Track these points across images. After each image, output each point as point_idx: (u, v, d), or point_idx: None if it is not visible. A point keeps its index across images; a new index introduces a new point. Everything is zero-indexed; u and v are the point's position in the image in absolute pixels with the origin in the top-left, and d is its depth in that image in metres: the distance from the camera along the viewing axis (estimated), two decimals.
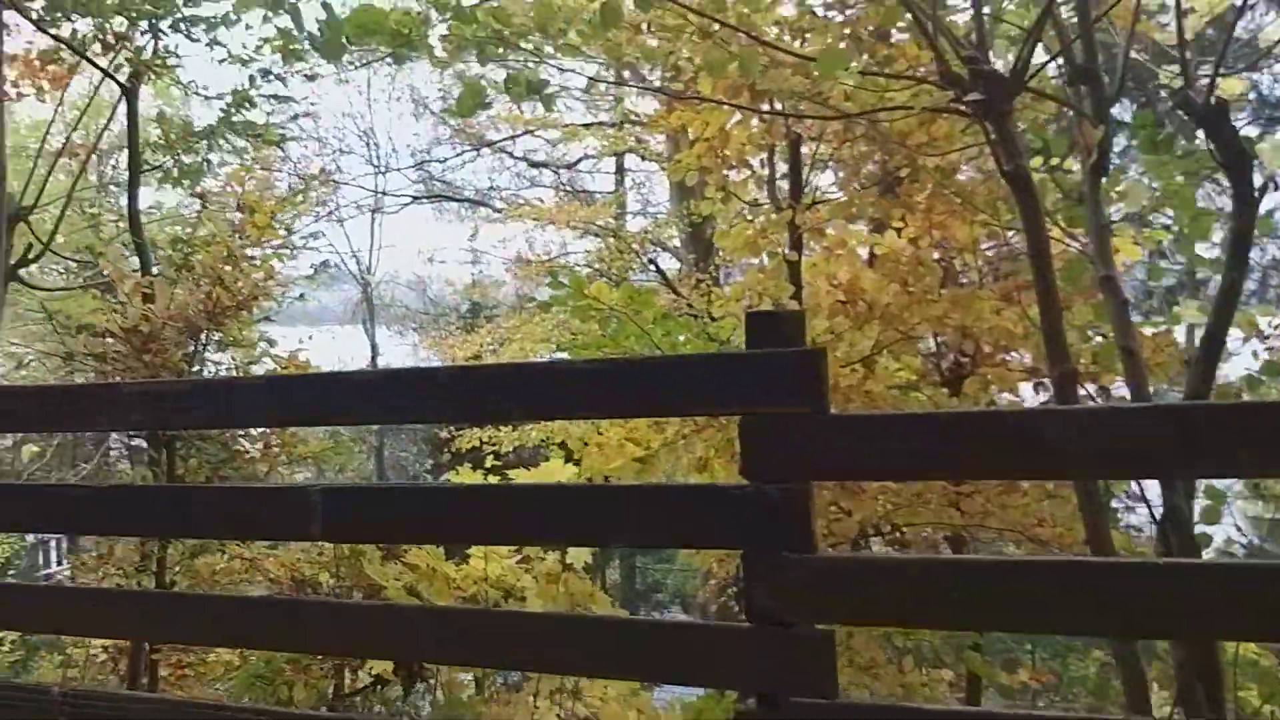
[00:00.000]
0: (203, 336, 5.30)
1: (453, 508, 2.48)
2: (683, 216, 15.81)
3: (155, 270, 6.07)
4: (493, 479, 5.17)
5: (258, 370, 5.61)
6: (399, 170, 20.10)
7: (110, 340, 5.36)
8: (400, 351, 28.49)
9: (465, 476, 5.20)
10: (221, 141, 6.22)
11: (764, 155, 5.24)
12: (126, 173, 7.53)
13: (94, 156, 9.78)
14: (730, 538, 2.08)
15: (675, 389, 2.09)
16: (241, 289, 5.31)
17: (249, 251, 5.45)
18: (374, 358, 24.78)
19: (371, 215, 22.66)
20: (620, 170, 21.28)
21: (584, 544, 3.62)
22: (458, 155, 20.99)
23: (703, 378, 2.06)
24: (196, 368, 5.27)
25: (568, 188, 20.36)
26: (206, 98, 6.40)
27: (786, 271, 4.64)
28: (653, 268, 16.24)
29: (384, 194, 20.28)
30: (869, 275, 4.88)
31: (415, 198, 20.12)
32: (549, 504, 2.29)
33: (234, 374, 5.65)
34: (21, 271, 8.54)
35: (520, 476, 5.16)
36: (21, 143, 11.04)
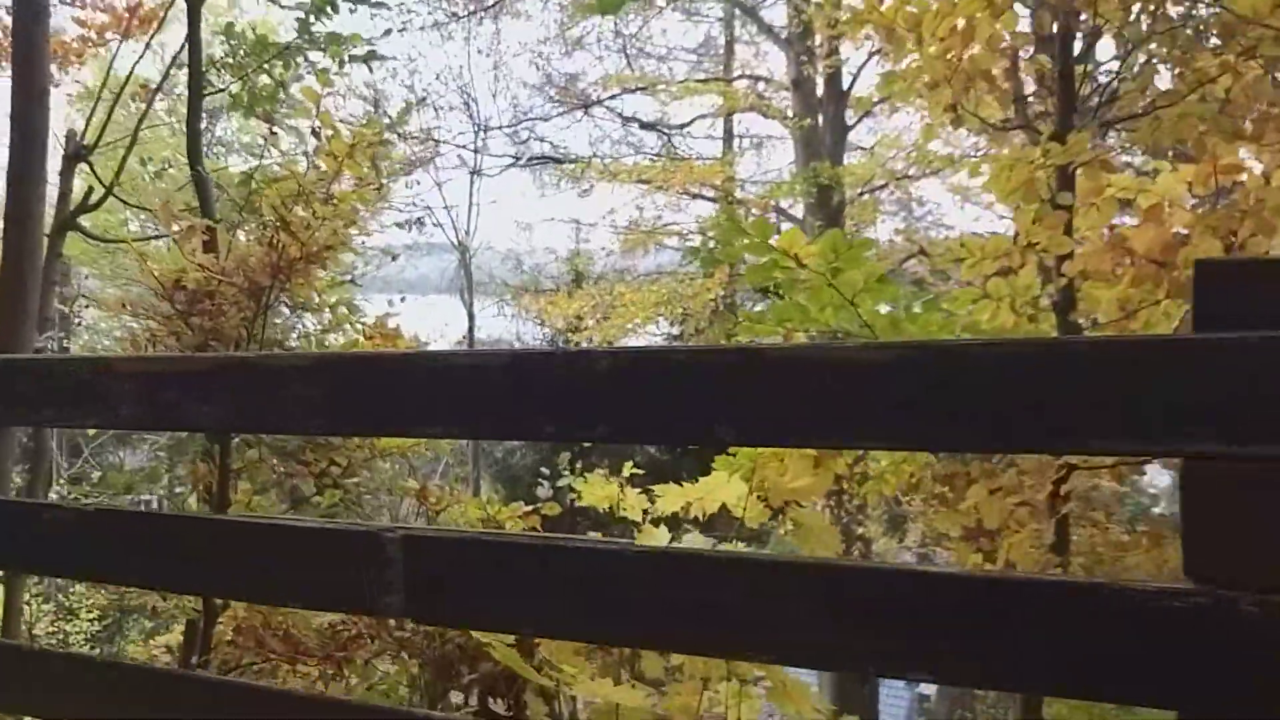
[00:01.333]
0: (267, 296, 4.12)
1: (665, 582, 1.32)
2: (809, 177, 14.40)
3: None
4: (634, 500, 3.92)
5: (334, 342, 4.44)
6: (500, 129, 18.90)
7: (156, 299, 4.22)
8: (498, 324, 27.57)
9: (593, 488, 3.96)
10: (299, 61, 5.06)
11: (1008, 62, 3.86)
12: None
13: (165, 88, 8.74)
14: (1157, 683, 1.05)
15: (1068, 404, 1.06)
16: (318, 237, 4.12)
17: (328, 189, 4.26)
18: (471, 330, 23.81)
19: (470, 179, 21.58)
20: (729, 134, 19.89)
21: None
22: (561, 114, 19.80)
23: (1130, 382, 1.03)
24: (258, 335, 4.11)
25: (676, 152, 19.04)
26: (284, 6, 5.25)
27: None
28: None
29: (483, 153, 19.15)
30: (1181, 226, 3.51)
31: (515, 159, 18.97)
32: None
33: (302, 345, 4.48)
34: (83, 219, 7.55)
35: (669, 495, 3.90)
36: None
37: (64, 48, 9.14)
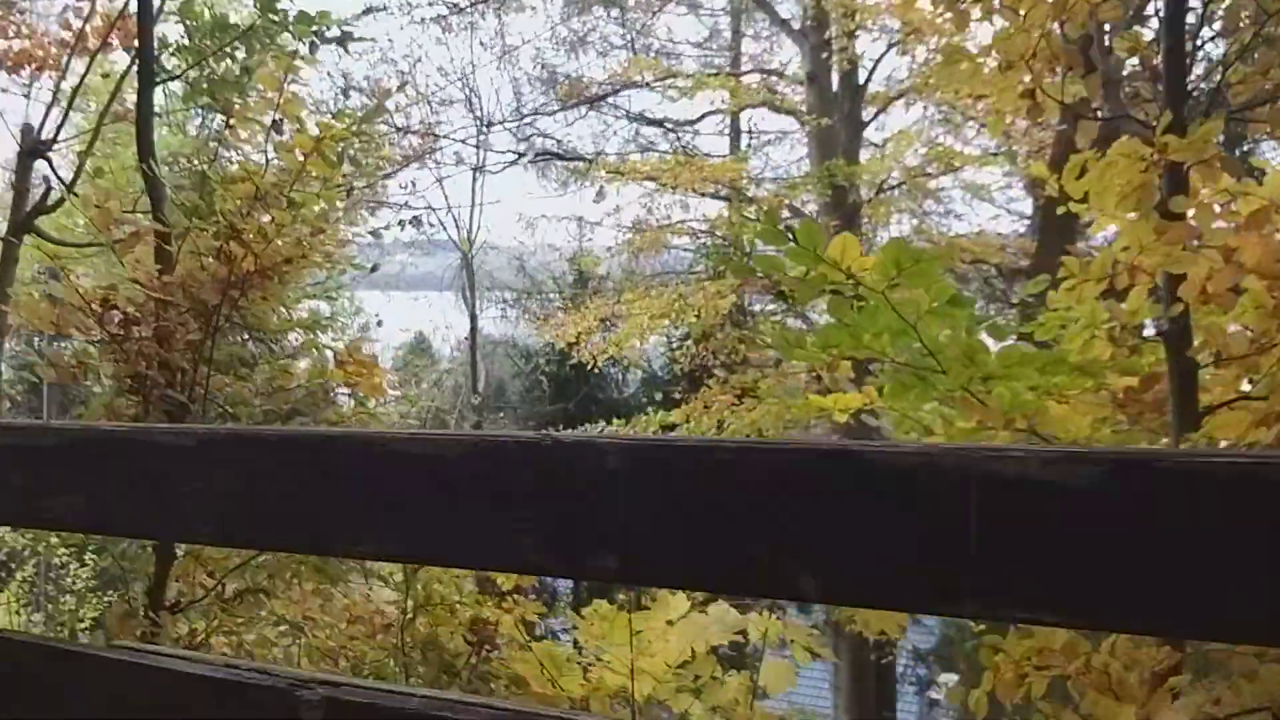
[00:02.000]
0: (216, 317, 3.50)
1: None
2: (824, 175, 13.76)
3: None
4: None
5: (299, 369, 3.82)
6: (503, 124, 18.28)
7: (89, 321, 3.60)
8: (502, 323, 26.96)
9: (595, 628, 3.34)
10: (263, 43, 4.42)
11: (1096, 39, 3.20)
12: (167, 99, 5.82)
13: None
14: None
15: None
16: (277, 247, 3.51)
17: (289, 192, 3.64)
18: (473, 331, 23.20)
19: (473, 175, 20.97)
20: (737, 131, 19.25)
21: None
22: (565, 109, 19.17)
23: None
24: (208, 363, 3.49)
25: (684, 150, 18.38)
26: None
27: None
28: (789, 235, 14.21)
29: (485, 148, 18.52)
30: None
31: (518, 155, 18.34)
32: None
33: (268, 371, 3.85)
34: (46, 221, 6.94)
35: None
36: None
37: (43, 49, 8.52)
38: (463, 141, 19.04)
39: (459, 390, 26.05)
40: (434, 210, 22.01)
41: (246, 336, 4.08)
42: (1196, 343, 2.67)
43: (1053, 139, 14.78)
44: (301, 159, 3.52)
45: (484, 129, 19.96)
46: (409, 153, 15.41)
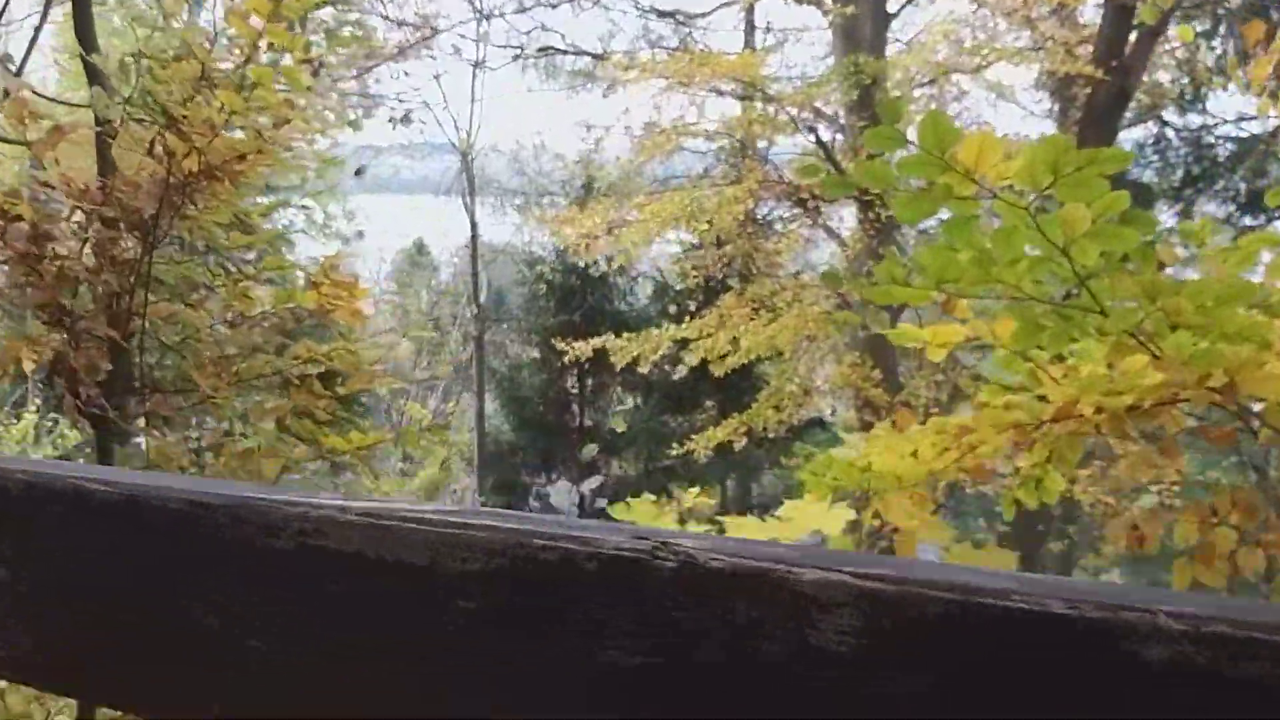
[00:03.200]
0: (153, 231, 2.77)
1: None
2: (849, 73, 12.82)
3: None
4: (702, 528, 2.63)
5: (262, 294, 3.08)
6: (503, 16, 17.21)
7: None
8: (503, 229, 26.12)
9: (641, 517, 2.65)
10: None
11: None
12: None
13: None
14: None
15: None
16: (228, 142, 2.76)
17: (243, 71, 2.87)
18: (474, 238, 22.37)
19: (472, 72, 19.94)
20: (751, 25, 18.18)
21: None
22: (570, 1, 18.06)
23: None
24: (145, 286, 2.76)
25: (697, 46, 17.34)
26: None
27: None
28: (811, 137, 13.34)
29: (484, 42, 17.48)
30: None
31: (520, 49, 17.31)
32: None
33: (224, 296, 3.12)
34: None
35: (744, 530, 2.60)
36: None
37: None
38: (461, 35, 17.98)
39: (458, 300, 25.35)
40: (430, 108, 21.04)
41: (206, 253, 3.36)
42: None
43: (1094, 33, 13.88)
44: (258, 28, 2.74)
45: (484, 21, 18.90)
46: (403, 44, 14.42)
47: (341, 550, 0.58)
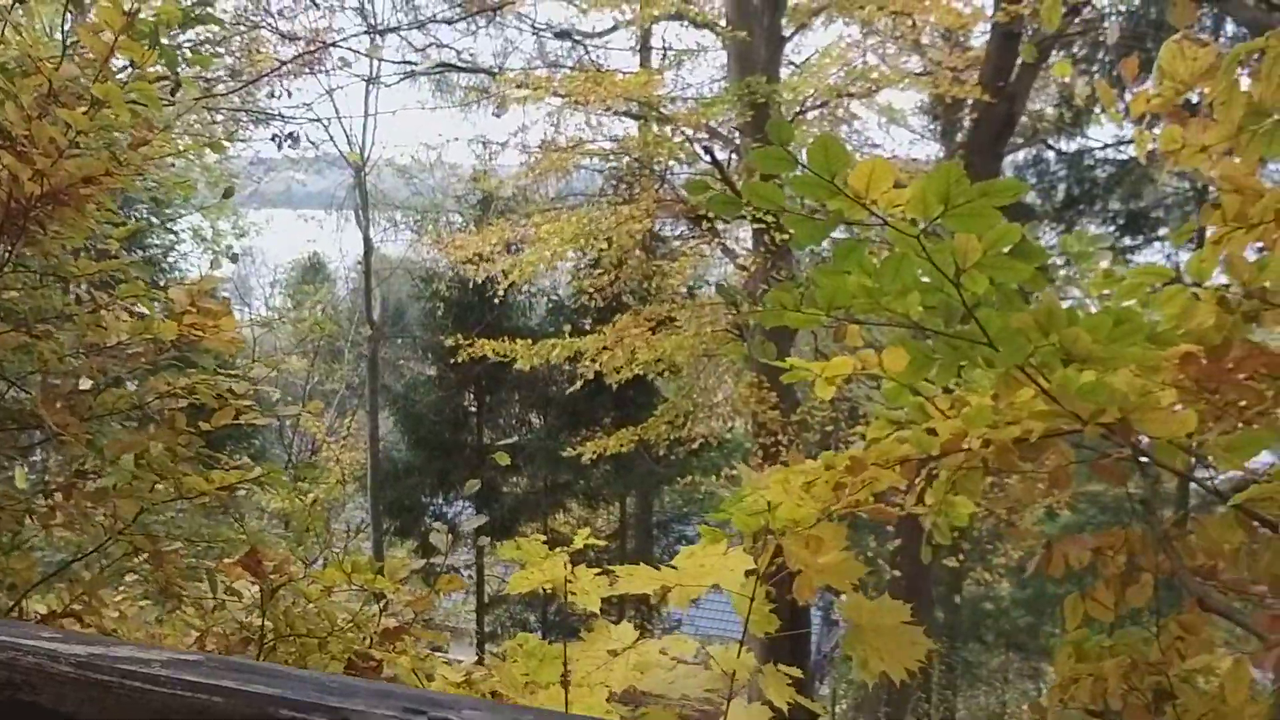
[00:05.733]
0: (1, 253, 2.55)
1: None
2: (743, 93, 12.87)
3: None
4: (590, 582, 2.51)
5: (119, 323, 2.87)
6: (398, 31, 16.91)
7: None
8: (397, 246, 25.72)
9: (528, 559, 2.53)
10: None
11: None
12: None
13: None
14: None
15: None
16: (76, 163, 2.56)
17: (93, 84, 2.67)
18: (367, 252, 21.94)
19: (365, 88, 19.58)
20: (646, 47, 18.24)
21: None
22: (465, 19, 17.86)
23: None
24: None
25: (594, 65, 17.27)
26: None
27: None
28: (707, 157, 13.35)
29: (375, 56, 17.16)
30: None
31: (413, 65, 17.03)
32: None
33: (81, 326, 2.91)
34: None
35: (635, 578, 2.50)
36: None
37: None
38: (354, 51, 17.63)
39: (354, 316, 24.84)
40: (323, 123, 20.62)
41: (64, 280, 3.13)
42: None
43: (982, 59, 14.19)
44: (109, 40, 2.56)
45: (378, 37, 18.56)
46: (293, 60, 14.05)
47: (56, 711, 0.46)
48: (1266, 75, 1.90)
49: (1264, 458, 2.32)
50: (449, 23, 16.42)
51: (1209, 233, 2.07)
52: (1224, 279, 2.27)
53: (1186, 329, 2.05)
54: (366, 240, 21.55)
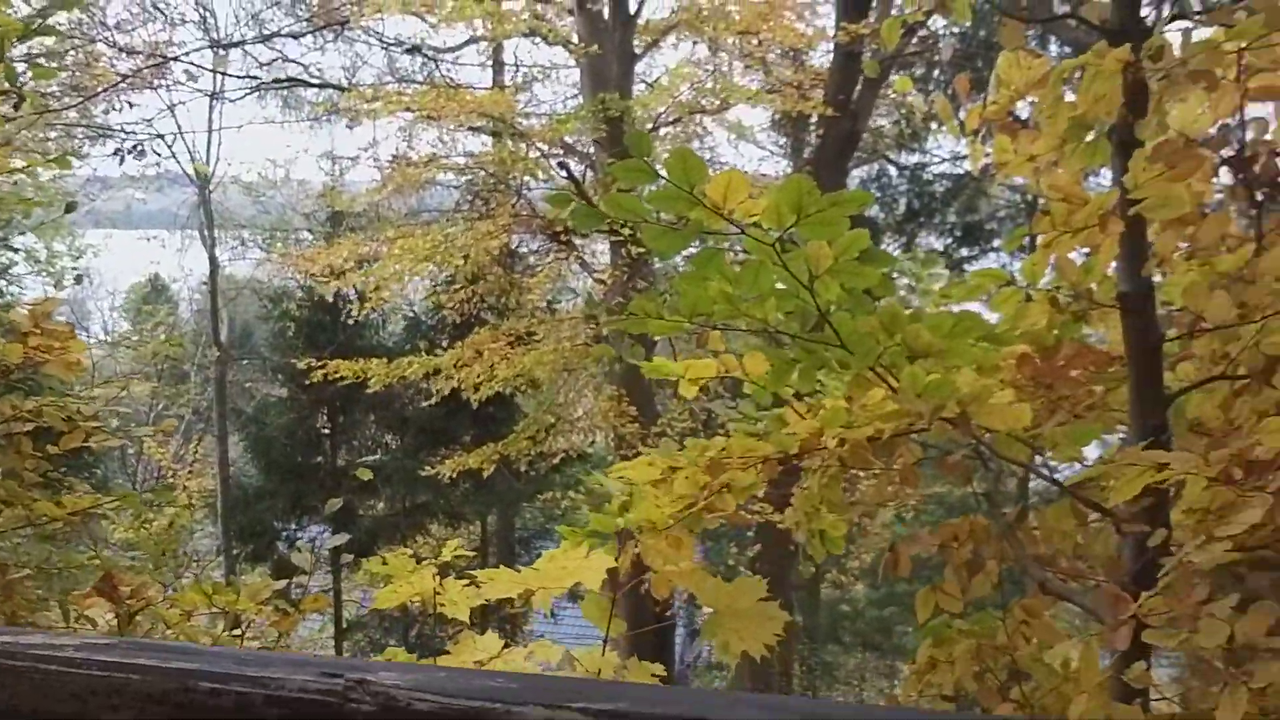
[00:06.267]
0: None
1: None
2: (596, 109, 12.99)
3: None
4: (459, 593, 2.50)
5: None
6: (243, 45, 16.47)
7: None
8: (245, 265, 24.97)
9: (396, 573, 2.51)
10: None
11: None
12: None
13: None
14: None
15: None
16: None
17: None
18: (213, 273, 21.23)
19: (209, 102, 18.99)
20: (499, 63, 18.22)
21: None
22: (312, 33, 17.53)
23: None
24: None
25: (446, 80, 17.14)
26: None
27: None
28: (563, 172, 13.39)
29: (219, 71, 16.67)
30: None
31: (257, 80, 16.61)
32: None
33: None
34: None
35: (497, 581, 2.51)
36: None
37: None
38: (196, 65, 17.11)
39: (200, 338, 24.02)
40: (165, 139, 19.87)
41: None
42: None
43: (825, 77, 14.65)
44: None
45: (221, 50, 18.03)
46: (132, 74, 13.54)
47: None
48: (1086, 90, 2.05)
49: (1097, 449, 2.49)
50: (295, 37, 16.09)
51: (1040, 239, 2.21)
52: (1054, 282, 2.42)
53: (1022, 329, 2.18)
54: (212, 260, 20.87)
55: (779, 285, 2.25)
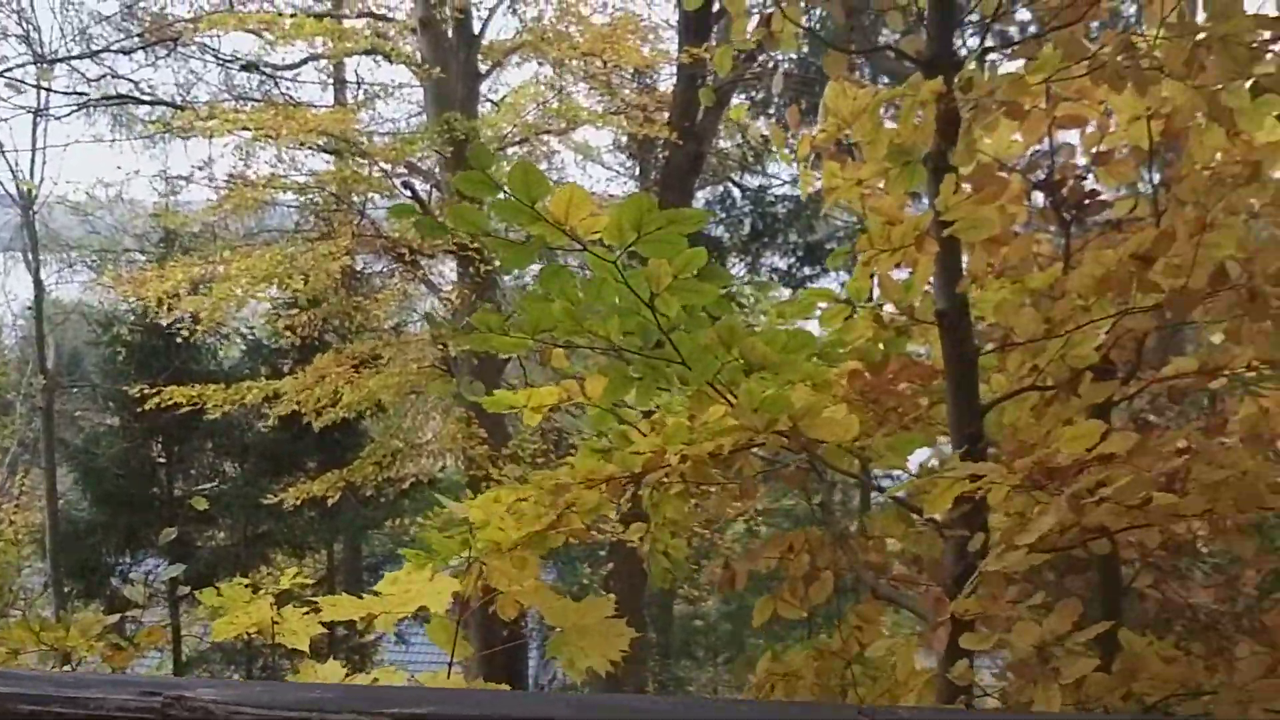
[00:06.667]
0: None
1: None
2: (442, 129, 12.89)
3: None
4: (299, 623, 2.46)
5: None
6: (68, 61, 15.75)
7: None
8: (72, 289, 23.80)
9: (232, 605, 2.44)
10: None
11: None
12: None
13: None
14: None
15: None
16: None
17: None
18: (39, 296, 20.15)
19: (33, 119, 18.06)
20: (341, 81, 17.93)
21: None
22: (143, 49, 16.88)
23: None
24: None
25: (285, 98, 16.74)
26: None
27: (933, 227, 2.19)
28: (407, 192, 13.23)
29: (42, 86, 15.90)
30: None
31: (84, 96, 15.90)
32: None
33: None
34: None
35: (339, 607, 2.47)
36: None
37: None
38: (18, 81, 16.27)
39: (25, 366, 22.76)
40: None
41: None
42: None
43: (670, 100, 14.90)
44: None
45: (46, 67, 17.19)
46: None
47: None
48: (905, 119, 2.18)
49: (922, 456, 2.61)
50: (125, 53, 15.47)
51: (860, 258, 2.32)
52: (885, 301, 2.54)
53: (850, 345, 2.28)
54: (37, 283, 19.81)
55: (619, 302, 2.30)
